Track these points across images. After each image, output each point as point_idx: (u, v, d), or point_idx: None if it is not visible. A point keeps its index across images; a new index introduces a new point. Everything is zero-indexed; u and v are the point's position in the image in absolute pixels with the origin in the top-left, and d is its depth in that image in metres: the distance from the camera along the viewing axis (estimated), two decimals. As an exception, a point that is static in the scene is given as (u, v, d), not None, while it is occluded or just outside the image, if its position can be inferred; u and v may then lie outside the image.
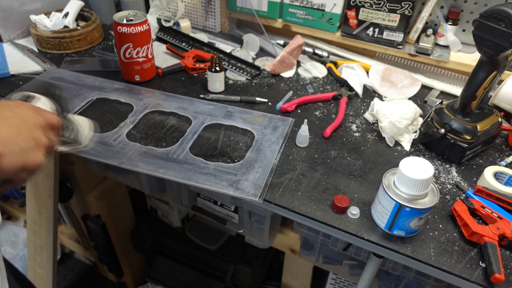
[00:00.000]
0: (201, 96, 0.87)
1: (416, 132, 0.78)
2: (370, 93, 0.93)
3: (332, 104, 0.88)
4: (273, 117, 0.81)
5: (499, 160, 0.74)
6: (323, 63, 1.01)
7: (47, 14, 1.05)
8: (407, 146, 0.76)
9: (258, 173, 0.67)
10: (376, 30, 0.97)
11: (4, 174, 0.43)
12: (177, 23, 1.12)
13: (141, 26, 0.83)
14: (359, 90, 0.91)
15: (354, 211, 0.61)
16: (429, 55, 0.95)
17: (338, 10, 0.99)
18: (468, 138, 0.69)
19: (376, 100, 0.81)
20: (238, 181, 0.65)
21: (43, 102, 0.55)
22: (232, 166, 0.68)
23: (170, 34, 1.09)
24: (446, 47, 0.97)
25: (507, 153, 0.76)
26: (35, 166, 0.46)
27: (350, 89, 0.92)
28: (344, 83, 0.94)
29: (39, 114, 0.49)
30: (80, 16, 1.10)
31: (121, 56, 0.86)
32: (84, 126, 0.71)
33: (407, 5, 0.90)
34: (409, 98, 0.89)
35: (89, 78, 0.90)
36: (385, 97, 0.84)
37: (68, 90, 0.86)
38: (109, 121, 0.79)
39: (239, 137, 0.76)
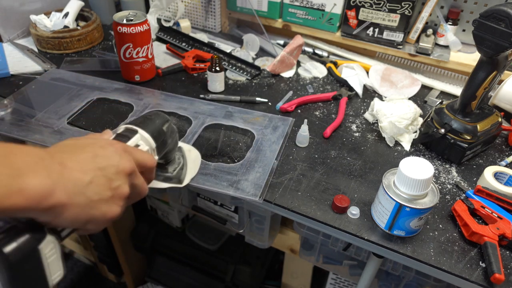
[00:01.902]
0: (201, 96, 0.87)
1: (416, 132, 0.78)
2: (370, 93, 0.93)
3: (332, 104, 0.88)
4: (273, 117, 0.81)
5: (499, 160, 0.74)
6: (323, 63, 1.01)
7: (47, 14, 1.05)
8: (407, 146, 0.76)
9: (258, 173, 0.67)
10: (376, 30, 0.97)
11: (67, 225, 0.39)
12: (177, 23, 1.12)
13: (141, 26, 0.83)
14: (359, 90, 0.91)
15: (354, 211, 0.61)
16: (429, 55, 0.95)
17: (338, 10, 0.99)
18: (468, 138, 0.69)
19: (376, 100, 0.81)
20: (238, 181, 0.65)
21: (143, 139, 0.50)
22: (232, 166, 0.68)
23: (170, 34, 1.09)
24: (446, 47, 0.97)
25: (507, 153, 0.76)
26: (106, 219, 0.41)
27: (350, 89, 0.92)
28: (344, 83, 0.94)
29: (128, 157, 0.43)
30: (80, 16, 1.10)
31: (121, 56, 0.86)
32: (195, 161, 0.65)
33: (407, 5, 0.90)
34: (409, 98, 0.89)
35: (89, 78, 0.90)
36: (385, 97, 0.84)
37: (68, 90, 0.86)
38: (109, 121, 0.79)
39: (239, 137, 0.76)
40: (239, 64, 0.98)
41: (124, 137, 0.48)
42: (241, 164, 0.69)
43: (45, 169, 0.35)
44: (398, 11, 0.92)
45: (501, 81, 0.83)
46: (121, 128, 0.50)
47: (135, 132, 0.49)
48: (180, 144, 0.62)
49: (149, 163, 0.47)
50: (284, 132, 0.77)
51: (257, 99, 0.86)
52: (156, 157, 0.53)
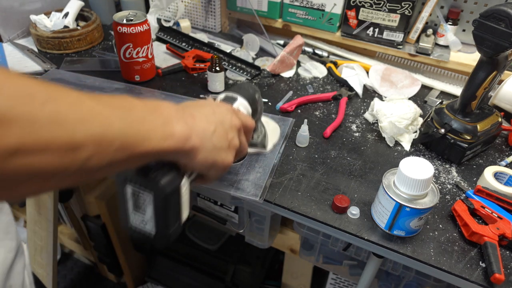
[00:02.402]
0: (201, 96, 0.87)
1: (416, 132, 0.78)
2: (370, 93, 0.93)
3: (332, 104, 0.88)
4: (273, 117, 0.81)
5: (499, 160, 0.74)
6: (323, 63, 1.01)
7: (47, 14, 1.05)
8: (407, 146, 0.76)
9: (259, 173, 0.67)
10: (376, 30, 0.97)
11: (197, 167, 0.45)
12: (177, 23, 1.12)
13: (141, 26, 0.83)
14: (359, 90, 0.91)
15: (354, 211, 0.61)
16: (429, 55, 0.95)
17: (338, 10, 0.99)
18: (468, 138, 0.69)
19: (376, 100, 0.81)
20: (239, 181, 0.65)
21: (242, 104, 0.57)
22: (232, 166, 0.68)
23: (170, 34, 1.09)
24: (446, 47, 0.97)
25: (507, 153, 0.76)
26: (224, 165, 0.48)
27: (350, 89, 0.92)
28: (344, 83, 0.94)
29: (237, 116, 0.51)
30: (80, 16, 1.10)
31: (121, 56, 0.86)
32: (273, 131, 0.73)
33: (407, 5, 0.90)
34: (409, 98, 0.89)
35: (89, 79, 0.90)
36: (385, 97, 0.84)
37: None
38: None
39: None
40: (239, 64, 0.98)
41: (228, 101, 0.56)
42: (241, 164, 0.69)
43: (183, 118, 0.42)
44: (398, 11, 0.92)
45: (501, 81, 0.83)
46: (222, 95, 0.57)
47: (236, 98, 0.57)
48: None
49: (250, 124, 0.54)
50: (284, 132, 0.77)
51: (257, 99, 0.86)
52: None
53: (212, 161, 0.45)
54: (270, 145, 0.70)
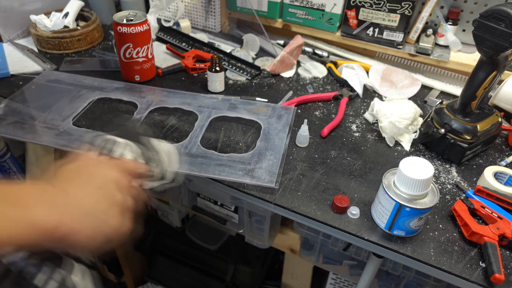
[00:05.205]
0: (201, 95, 0.87)
1: (416, 132, 0.78)
2: (370, 93, 0.93)
3: (332, 104, 0.88)
4: (275, 107, 0.84)
5: (499, 160, 0.74)
6: (323, 63, 1.01)
7: (47, 14, 1.05)
8: (407, 146, 0.76)
9: (271, 161, 0.69)
10: (376, 30, 0.97)
11: (87, 250, 0.39)
12: (177, 23, 1.12)
13: (141, 26, 0.83)
14: (359, 90, 0.91)
15: (354, 211, 0.61)
16: (429, 55, 0.95)
17: (338, 10, 0.98)
18: (468, 138, 0.69)
19: (376, 100, 0.81)
20: (253, 170, 0.67)
21: (124, 147, 0.49)
22: (244, 156, 0.70)
23: (170, 34, 1.09)
24: (446, 47, 0.97)
25: (507, 153, 0.76)
26: (120, 234, 0.41)
27: (351, 89, 0.92)
28: (344, 83, 0.94)
29: (121, 169, 0.44)
30: (80, 16, 1.10)
31: (121, 56, 0.86)
32: (168, 154, 0.61)
33: (407, 5, 0.90)
34: (409, 98, 0.89)
35: (87, 79, 0.90)
36: (385, 97, 0.84)
37: (67, 92, 0.86)
38: (113, 120, 0.79)
39: (246, 128, 0.78)
40: (239, 64, 0.98)
41: (108, 150, 0.48)
42: (252, 153, 0.71)
43: (50, 199, 0.36)
44: (398, 11, 0.92)
45: (501, 81, 0.83)
46: (99, 139, 0.49)
47: (115, 142, 0.49)
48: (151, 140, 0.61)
49: (141, 170, 0.47)
50: (288, 120, 0.79)
51: (257, 99, 0.86)
52: (142, 161, 0.53)
53: (103, 236, 0.38)
54: (170, 173, 0.59)
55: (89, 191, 0.40)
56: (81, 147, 0.47)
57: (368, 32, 0.98)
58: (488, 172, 0.66)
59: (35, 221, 0.33)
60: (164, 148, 0.60)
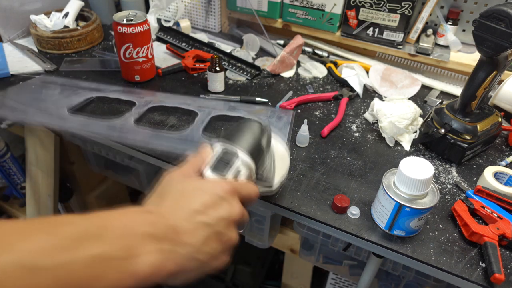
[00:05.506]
0: (201, 96, 0.87)
1: (416, 132, 0.78)
2: (370, 93, 0.93)
3: (332, 104, 0.88)
4: (274, 110, 0.84)
5: (499, 160, 0.74)
6: (323, 63, 1.01)
7: (47, 14, 1.05)
8: (407, 146, 0.76)
9: None
10: (376, 30, 0.97)
11: (179, 285, 0.36)
12: (177, 23, 1.12)
13: (141, 26, 0.83)
14: (359, 90, 0.91)
15: (354, 211, 0.61)
16: (429, 55, 0.95)
17: (338, 10, 0.98)
18: (468, 138, 0.69)
19: (376, 100, 0.81)
20: None
21: (243, 163, 0.43)
22: None
23: (170, 34, 1.09)
24: (446, 47, 0.97)
25: (507, 153, 0.76)
26: (215, 271, 0.38)
27: (351, 89, 0.92)
28: (344, 83, 0.94)
29: (236, 200, 0.39)
30: (80, 16, 1.10)
31: (121, 56, 0.86)
32: (282, 159, 0.57)
33: (407, 5, 0.90)
34: (409, 98, 0.89)
35: (83, 83, 0.88)
36: (385, 97, 0.84)
37: (66, 92, 0.86)
38: (112, 119, 0.79)
39: None
40: (239, 64, 0.98)
41: (225, 164, 0.42)
42: None
43: (157, 241, 0.32)
44: (398, 11, 0.92)
45: (501, 81, 0.83)
46: (219, 147, 0.44)
47: (236, 155, 0.43)
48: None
49: (254, 196, 0.42)
50: (288, 120, 0.79)
51: (257, 99, 0.86)
52: (255, 178, 0.47)
53: (198, 276, 0.36)
54: (277, 181, 0.55)
55: (199, 230, 0.35)
56: (199, 146, 0.43)
57: (368, 32, 0.98)
58: (488, 172, 0.66)
59: (138, 270, 0.30)
60: (279, 150, 0.55)
